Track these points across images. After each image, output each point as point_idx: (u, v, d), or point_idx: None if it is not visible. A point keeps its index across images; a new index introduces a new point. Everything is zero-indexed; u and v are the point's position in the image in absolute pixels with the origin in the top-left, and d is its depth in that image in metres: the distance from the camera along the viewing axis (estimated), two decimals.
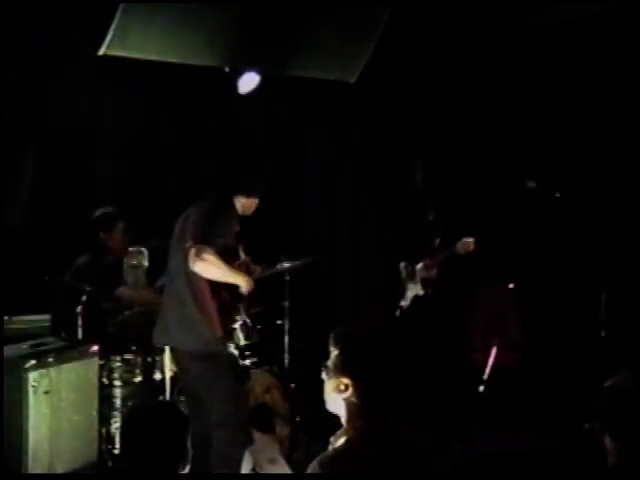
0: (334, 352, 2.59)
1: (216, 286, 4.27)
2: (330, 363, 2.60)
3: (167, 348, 4.88)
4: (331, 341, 2.62)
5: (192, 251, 4.11)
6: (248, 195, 4.49)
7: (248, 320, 4.32)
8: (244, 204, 4.49)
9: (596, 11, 5.80)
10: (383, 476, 2.44)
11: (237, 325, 4.27)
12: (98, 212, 5.38)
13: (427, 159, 5.89)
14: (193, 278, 4.24)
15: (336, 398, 2.57)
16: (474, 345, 6.16)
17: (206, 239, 4.12)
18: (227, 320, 4.24)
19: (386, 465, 2.44)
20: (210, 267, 4.13)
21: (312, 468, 2.42)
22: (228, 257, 4.27)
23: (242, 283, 4.31)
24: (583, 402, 5.64)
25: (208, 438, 4.25)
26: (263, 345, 5.06)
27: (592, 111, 6.53)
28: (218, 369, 4.21)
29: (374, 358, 2.57)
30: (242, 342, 4.25)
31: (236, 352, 4.21)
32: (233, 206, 4.44)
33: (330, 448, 2.56)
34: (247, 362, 4.30)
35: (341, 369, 2.55)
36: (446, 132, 6.83)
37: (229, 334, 4.22)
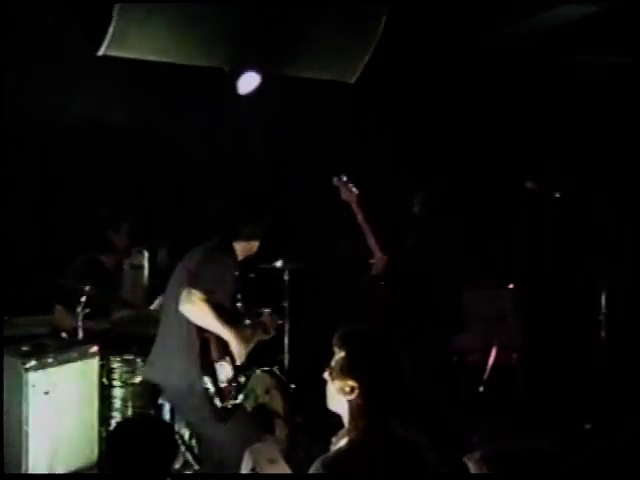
0: (339, 354, 2.59)
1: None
2: (335, 364, 2.59)
3: None
4: (335, 342, 2.61)
5: (183, 293, 4.08)
6: (248, 240, 4.43)
7: (230, 365, 4.25)
8: (244, 248, 4.43)
9: (596, 11, 5.80)
10: (385, 476, 2.44)
11: (218, 365, 4.19)
12: (104, 210, 5.37)
13: (427, 192, 5.70)
14: (183, 317, 4.18)
15: (340, 399, 2.57)
16: (474, 345, 6.15)
17: (198, 283, 4.08)
18: (209, 358, 4.17)
19: (388, 465, 2.44)
20: (197, 311, 4.07)
21: (314, 468, 2.42)
22: (223, 305, 4.21)
23: (230, 339, 4.21)
24: (583, 402, 5.67)
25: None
26: (263, 345, 5.06)
27: (592, 111, 6.54)
28: (207, 407, 4.13)
29: (380, 361, 2.57)
30: (223, 383, 4.17)
31: (212, 389, 4.13)
32: (232, 252, 4.37)
33: (332, 448, 2.57)
34: (227, 404, 4.22)
35: (347, 371, 2.55)
36: (446, 132, 6.84)
37: (208, 371, 4.14)
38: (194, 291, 4.06)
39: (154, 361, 4.39)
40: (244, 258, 4.47)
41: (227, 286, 4.30)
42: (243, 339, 4.29)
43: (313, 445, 4.96)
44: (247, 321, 4.62)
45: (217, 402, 4.13)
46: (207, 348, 4.18)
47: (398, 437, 2.53)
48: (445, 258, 5.24)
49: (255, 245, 4.49)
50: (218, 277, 4.21)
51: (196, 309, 4.07)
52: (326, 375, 2.64)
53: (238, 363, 4.29)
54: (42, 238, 5.76)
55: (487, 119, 6.85)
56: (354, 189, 5.32)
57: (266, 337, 4.68)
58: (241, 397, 4.32)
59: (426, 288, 5.23)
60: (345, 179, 5.35)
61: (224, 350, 4.24)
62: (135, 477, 2.56)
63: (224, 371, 4.21)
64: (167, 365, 4.27)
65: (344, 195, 5.34)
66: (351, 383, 2.54)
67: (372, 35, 5.85)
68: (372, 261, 5.38)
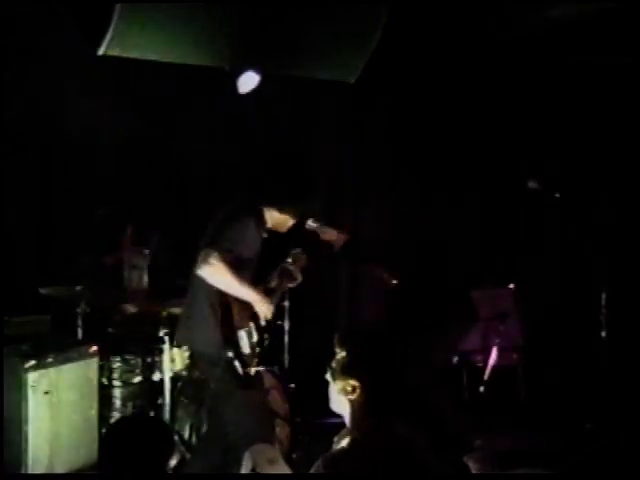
0: (340, 354, 2.59)
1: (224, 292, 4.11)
2: (336, 364, 2.59)
3: (166, 349, 4.89)
4: (336, 342, 2.61)
5: (201, 254, 3.97)
6: (281, 210, 4.24)
7: (255, 331, 4.20)
8: (274, 217, 4.25)
9: (595, 11, 5.80)
10: (385, 476, 2.44)
11: (242, 333, 4.13)
12: (108, 210, 5.37)
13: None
14: (203, 282, 4.09)
15: (341, 399, 2.57)
16: (474, 345, 6.16)
17: (214, 244, 3.98)
18: (231, 327, 4.09)
19: (388, 465, 2.44)
20: (215, 273, 3.95)
21: (316, 468, 2.42)
22: (243, 269, 4.07)
23: (251, 298, 4.11)
24: (583, 402, 5.67)
25: (226, 446, 4.17)
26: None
27: (592, 111, 6.54)
28: (230, 375, 4.10)
29: (381, 360, 2.57)
30: (246, 350, 4.12)
31: (236, 360, 4.12)
32: (256, 213, 4.20)
33: (334, 448, 2.57)
34: (250, 371, 4.20)
35: (348, 371, 2.55)
36: (446, 131, 6.84)
37: (232, 341, 4.08)
38: (210, 251, 3.94)
39: (185, 327, 4.31)
40: (272, 229, 4.28)
41: (249, 247, 4.13)
42: (265, 298, 4.18)
43: (313, 445, 4.96)
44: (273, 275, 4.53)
45: (240, 370, 4.06)
46: (230, 315, 4.08)
47: (399, 437, 2.53)
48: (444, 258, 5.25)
49: (288, 221, 4.30)
50: (238, 237, 4.06)
51: (212, 269, 3.94)
52: (328, 375, 2.63)
53: (263, 323, 4.20)
54: (42, 238, 5.76)
55: (488, 119, 6.85)
56: (331, 229, 4.72)
57: (293, 285, 4.56)
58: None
59: (426, 288, 5.23)
60: (316, 224, 4.66)
61: (248, 316, 4.16)
62: (131, 475, 2.56)
63: (248, 338, 4.14)
64: (196, 332, 4.20)
65: (326, 236, 4.70)
66: (353, 383, 2.54)
67: (372, 35, 5.85)
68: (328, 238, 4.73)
